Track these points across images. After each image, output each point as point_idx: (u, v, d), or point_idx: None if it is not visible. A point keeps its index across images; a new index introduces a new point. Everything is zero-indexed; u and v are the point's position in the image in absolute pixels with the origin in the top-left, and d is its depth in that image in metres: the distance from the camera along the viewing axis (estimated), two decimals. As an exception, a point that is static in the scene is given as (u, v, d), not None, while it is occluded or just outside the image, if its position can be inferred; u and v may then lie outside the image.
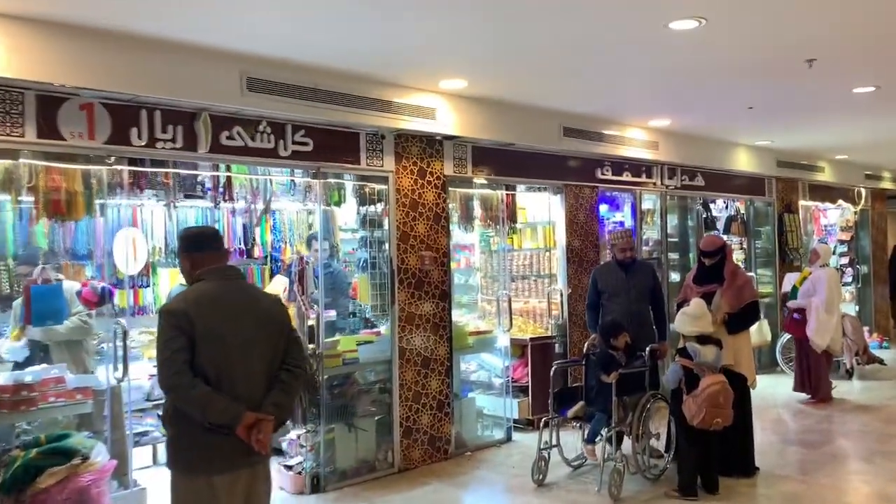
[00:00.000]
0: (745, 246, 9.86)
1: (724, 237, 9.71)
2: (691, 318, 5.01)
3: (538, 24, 4.34)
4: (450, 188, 6.34)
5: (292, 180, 6.11)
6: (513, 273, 7.64)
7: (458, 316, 6.67)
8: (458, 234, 6.84)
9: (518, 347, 7.04)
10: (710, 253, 5.36)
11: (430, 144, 6.11)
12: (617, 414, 5.08)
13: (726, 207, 9.93)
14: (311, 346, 5.34)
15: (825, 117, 7.50)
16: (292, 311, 5.35)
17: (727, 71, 5.60)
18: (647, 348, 5.41)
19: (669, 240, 8.59)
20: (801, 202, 10.74)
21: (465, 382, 6.91)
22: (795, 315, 8.05)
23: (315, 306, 5.49)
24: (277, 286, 5.98)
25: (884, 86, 6.11)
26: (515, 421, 6.82)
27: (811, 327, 7.69)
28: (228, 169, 5.74)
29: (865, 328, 11.80)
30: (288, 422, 5.05)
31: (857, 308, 11.98)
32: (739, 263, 8.02)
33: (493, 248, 7.52)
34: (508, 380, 6.77)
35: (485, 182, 6.68)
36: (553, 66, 5.39)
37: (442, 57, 5.04)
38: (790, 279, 9.50)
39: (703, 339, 4.95)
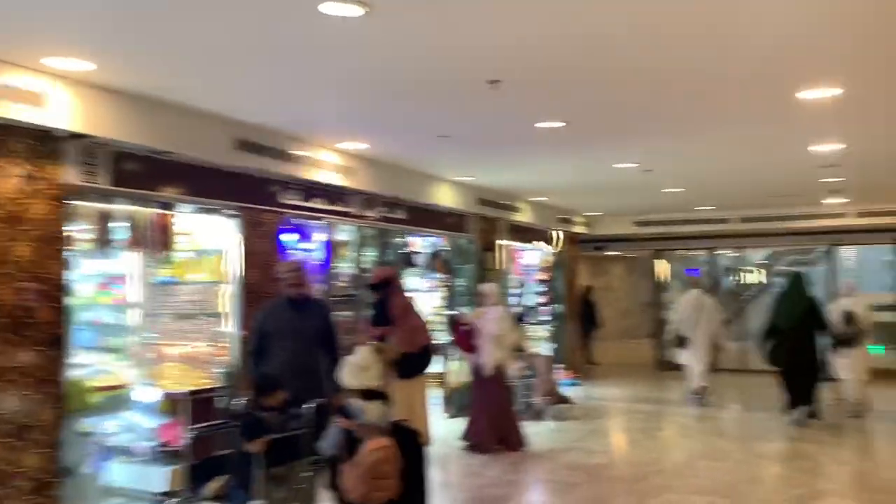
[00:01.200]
0: (447, 284, 9.53)
1: (427, 275, 9.34)
2: (357, 368, 4.17)
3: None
4: (75, 201, 4.93)
5: None
6: (178, 310, 6.34)
7: (105, 364, 5.24)
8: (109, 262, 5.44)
9: (173, 402, 5.73)
10: (375, 286, 4.63)
11: (44, 142, 4.68)
12: (266, 490, 4.06)
13: (431, 243, 9.56)
14: None
15: (514, 153, 7.33)
16: None
17: (411, 89, 5.00)
18: (313, 404, 4.49)
19: (366, 275, 7.88)
20: (501, 241, 10.79)
21: (100, 450, 5.44)
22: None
23: None
24: None
25: (572, 121, 5.95)
26: (166, 494, 5.49)
27: (485, 352, 7.25)
28: None
29: (560, 366, 12.24)
30: None
31: (554, 346, 12.38)
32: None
33: (150, 281, 6.17)
34: (157, 444, 5.43)
35: (128, 198, 5.37)
36: (208, 59, 4.35)
37: (49, 23, 3.74)
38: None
39: (368, 394, 4.13)
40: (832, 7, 3.72)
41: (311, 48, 4.18)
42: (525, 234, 11.52)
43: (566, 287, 12.96)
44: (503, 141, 6.77)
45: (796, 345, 8.30)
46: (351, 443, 4.01)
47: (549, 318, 12.41)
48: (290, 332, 4.96)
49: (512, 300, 12.04)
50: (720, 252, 15.24)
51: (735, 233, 13.39)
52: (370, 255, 8.09)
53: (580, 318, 14.73)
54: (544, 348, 12.31)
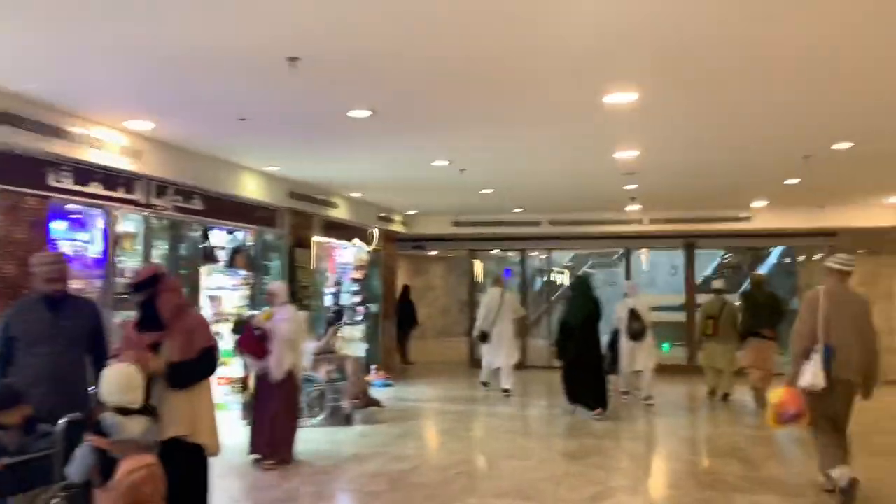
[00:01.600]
0: (252, 281, 8.91)
1: (228, 271, 8.68)
2: (112, 384, 3.59)
3: None
4: None
5: None
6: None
7: None
8: None
9: None
10: (138, 285, 4.05)
11: None
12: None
13: (234, 238, 8.90)
14: None
15: (325, 143, 6.94)
16: None
17: (202, 63, 4.47)
18: (64, 420, 3.82)
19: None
20: (316, 238, 10.34)
21: None
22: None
23: None
24: None
25: (380, 111, 5.66)
26: None
27: (276, 357, 6.57)
28: None
29: (373, 366, 11.97)
30: None
31: (367, 346, 12.09)
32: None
33: None
34: None
35: None
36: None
37: None
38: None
39: (126, 409, 3.57)
40: (630, 12, 3.71)
41: (77, 6, 3.55)
42: (342, 231, 11.14)
43: (383, 286, 12.73)
44: (311, 129, 6.35)
45: (581, 342, 8.92)
46: (106, 464, 3.44)
47: (364, 317, 12.11)
48: (44, 335, 4.23)
49: (327, 299, 11.62)
50: (533, 253, 15.80)
51: (545, 235, 13.85)
52: (161, 248, 7.32)
53: (397, 317, 14.61)
54: (358, 349, 12.03)
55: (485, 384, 11.03)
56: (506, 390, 10.51)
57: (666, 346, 18.15)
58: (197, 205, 7.52)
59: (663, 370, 13.77)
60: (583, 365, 8.93)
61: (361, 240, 11.91)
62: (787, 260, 15.78)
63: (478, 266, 17.17)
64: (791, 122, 6.01)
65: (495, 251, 16.33)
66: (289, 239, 9.45)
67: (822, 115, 5.77)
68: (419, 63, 4.51)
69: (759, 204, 11.58)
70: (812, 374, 5.35)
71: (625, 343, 9.74)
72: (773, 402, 5.72)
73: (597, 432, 8.26)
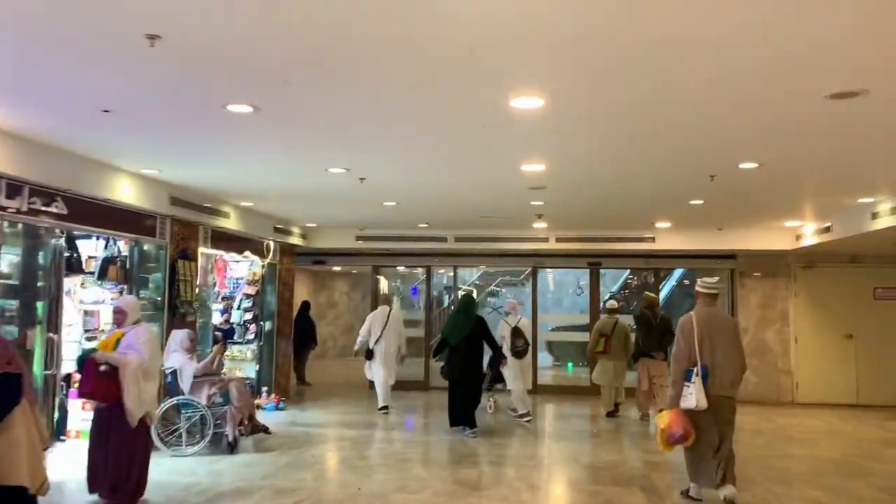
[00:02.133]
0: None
1: (99, 283, 7.84)
2: None
3: None
4: None
5: None
6: None
7: None
8: None
9: None
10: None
11: None
12: None
13: (106, 246, 8.05)
14: None
15: (206, 143, 6.26)
16: None
17: (45, 36, 3.79)
18: None
19: (5, 282, 6.26)
20: (203, 249, 9.56)
21: None
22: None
23: None
24: None
25: (263, 107, 5.09)
26: None
27: (130, 398, 5.45)
28: None
29: (264, 389, 11.21)
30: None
31: (257, 367, 11.32)
32: None
33: None
34: None
35: None
36: None
37: None
38: (176, 337, 8.08)
39: None
40: (528, 11, 3.34)
41: None
42: (234, 243, 10.39)
43: (278, 302, 12.00)
44: (188, 126, 5.69)
45: (464, 360, 9.08)
46: None
47: (257, 336, 11.35)
48: None
49: (215, 316, 10.83)
50: (440, 271, 15.42)
51: (451, 252, 13.47)
52: (12, 256, 6.45)
53: (295, 335, 13.88)
54: (249, 369, 11.27)
55: (382, 409, 10.77)
56: (383, 408, 10.67)
57: (570, 366, 18.15)
58: (58, 208, 6.68)
59: (566, 391, 13.68)
60: (461, 383, 9.10)
61: (256, 253, 11.18)
62: (687, 282, 16.02)
63: (383, 283, 16.64)
64: (700, 137, 5.83)
65: (400, 267, 15.86)
66: (171, 250, 8.65)
67: (731, 131, 5.61)
68: (298, 51, 3.99)
69: (662, 225, 11.60)
70: (695, 396, 5.73)
71: (511, 361, 9.94)
72: (660, 427, 5.99)
73: (496, 459, 7.86)
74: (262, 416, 10.13)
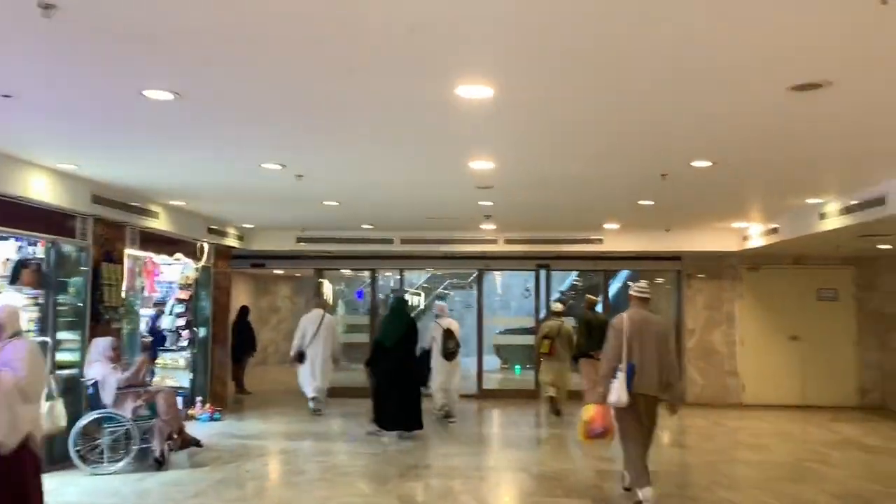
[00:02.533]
0: (41, 301, 7.42)
1: (11, 289, 7.19)
2: None
3: None
4: None
5: None
6: None
7: None
8: None
9: None
10: None
11: None
12: None
13: (19, 248, 7.39)
14: None
15: (125, 134, 5.73)
16: None
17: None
18: None
19: None
20: (130, 251, 8.95)
21: None
22: None
23: None
24: None
25: (185, 93, 4.62)
26: None
27: (2, 422, 4.38)
28: None
29: (199, 398, 10.63)
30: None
31: (190, 376, 10.71)
32: None
33: None
34: None
35: None
36: None
37: None
38: (98, 346, 7.50)
39: None
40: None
41: None
42: (165, 244, 9.79)
43: (213, 307, 11.40)
44: (104, 115, 5.17)
45: (399, 362, 9.11)
46: None
47: (190, 343, 10.75)
48: None
49: (143, 322, 10.21)
50: (387, 273, 14.99)
51: (397, 254, 13.07)
52: None
53: (233, 342, 13.29)
54: (182, 378, 10.66)
55: (315, 408, 10.97)
56: (317, 410, 10.88)
57: (518, 369, 17.94)
58: (-41, 205, 6.06)
59: (513, 395, 13.44)
60: (398, 385, 9.01)
61: (189, 255, 10.58)
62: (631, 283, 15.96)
63: (327, 287, 16.13)
64: (653, 134, 5.59)
65: (346, 271, 15.38)
66: (94, 252, 8.03)
67: (685, 129, 5.38)
68: (218, 27, 3.55)
69: (611, 226, 11.43)
70: (617, 392, 5.97)
71: (439, 363, 10.04)
72: (583, 419, 6.24)
73: (442, 471, 7.50)
74: (196, 428, 9.59)
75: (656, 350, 6.09)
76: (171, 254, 10.07)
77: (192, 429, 9.31)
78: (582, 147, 6.07)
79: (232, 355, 13.44)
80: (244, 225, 11.79)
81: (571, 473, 7.43)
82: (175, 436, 7.63)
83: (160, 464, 7.33)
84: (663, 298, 13.70)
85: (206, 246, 10.97)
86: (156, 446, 7.36)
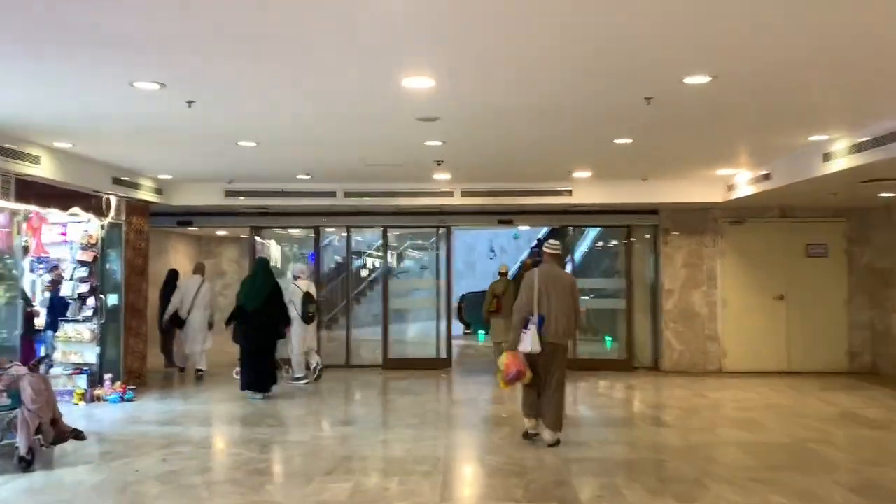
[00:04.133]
0: None
1: None
2: None
3: None
4: None
5: None
6: None
7: None
8: None
9: None
10: None
11: None
12: None
13: None
14: None
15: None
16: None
17: None
18: None
19: None
20: (2, 203, 7.38)
21: None
22: None
23: None
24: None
25: None
26: None
27: None
28: None
29: (108, 376, 9.18)
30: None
31: (97, 350, 9.22)
32: None
33: None
34: None
35: None
36: None
37: None
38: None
39: None
40: None
41: None
42: (54, 197, 8.21)
43: (126, 271, 9.87)
44: None
45: (258, 326, 9.15)
46: None
47: (96, 312, 9.24)
48: None
49: (41, 290, 8.71)
50: (331, 231, 13.48)
51: (341, 210, 11.62)
52: None
53: (161, 310, 11.84)
54: (86, 353, 9.19)
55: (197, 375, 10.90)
56: (199, 371, 10.93)
57: (482, 335, 16.69)
58: None
59: (477, 364, 12.20)
60: (258, 349, 9.12)
61: (91, 210, 9.01)
62: (601, 244, 14.70)
63: (273, 248, 14.60)
64: (640, 40, 4.21)
65: (294, 230, 13.80)
66: (-54, 202, 6.47)
67: (682, 31, 4.01)
68: None
69: (581, 174, 10.05)
70: (530, 341, 6.50)
71: (299, 326, 10.12)
72: (499, 368, 6.69)
73: (379, 465, 6.20)
74: (103, 411, 8.25)
75: (562, 302, 6.61)
76: (64, 208, 8.50)
77: (100, 411, 7.98)
78: (551, 64, 4.67)
79: (159, 325, 11.97)
80: (160, 176, 10.19)
81: (537, 466, 6.12)
82: (49, 428, 6.18)
83: (28, 463, 5.90)
84: (636, 258, 12.47)
85: (112, 200, 9.40)
86: (21, 442, 5.92)
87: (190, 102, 5.66)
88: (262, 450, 6.67)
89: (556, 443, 6.54)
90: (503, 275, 11.39)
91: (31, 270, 9.44)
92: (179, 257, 17.04)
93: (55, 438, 6.20)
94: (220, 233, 17.51)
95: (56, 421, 6.27)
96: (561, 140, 7.49)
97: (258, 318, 9.10)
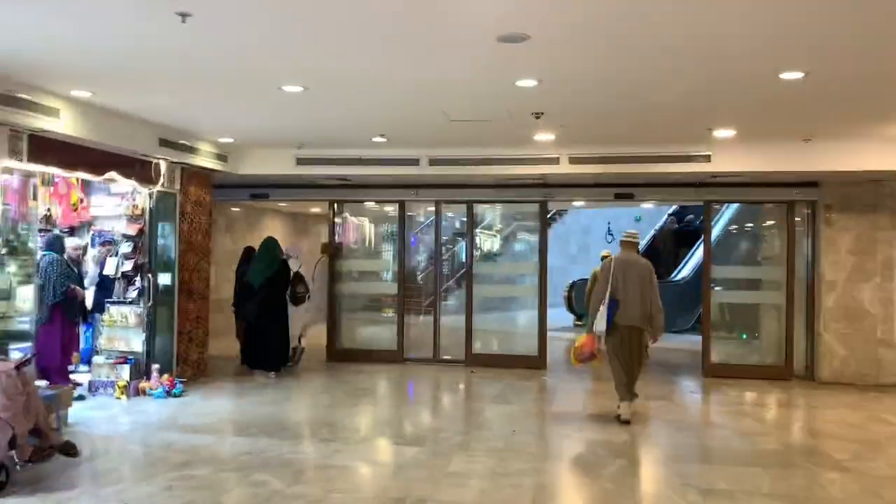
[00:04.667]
0: None
1: None
2: None
3: None
4: None
5: None
6: None
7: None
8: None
9: None
10: None
11: None
12: None
13: None
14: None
15: None
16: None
17: None
18: None
19: None
20: (13, 164, 6.25)
21: None
22: None
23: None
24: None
25: None
26: None
27: None
28: None
29: (155, 367, 8.04)
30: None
31: (144, 336, 8.09)
32: None
33: None
34: None
35: None
36: None
37: None
38: None
39: None
40: None
41: None
42: (81, 158, 7.04)
43: (182, 248, 8.68)
44: None
45: (263, 304, 9.16)
46: None
47: (143, 293, 8.12)
48: None
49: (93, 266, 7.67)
50: (430, 209, 11.82)
51: (426, 182, 10.02)
52: None
53: (237, 294, 10.65)
54: (132, 339, 8.10)
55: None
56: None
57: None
58: None
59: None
60: (264, 328, 9.09)
61: (135, 177, 7.84)
62: (736, 226, 12.33)
63: (367, 228, 13.23)
64: None
65: (371, 204, 12.24)
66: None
67: None
68: None
69: (723, 133, 7.89)
70: (600, 322, 6.89)
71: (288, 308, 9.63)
72: (575, 345, 7.12)
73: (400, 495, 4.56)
74: (141, 408, 7.11)
75: (638, 288, 6.86)
76: (98, 172, 7.34)
77: (138, 408, 6.81)
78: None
79: (234, 308, 10.82)
80: (221, 140, 8.91)
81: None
82: (34, 441, 4.95)
83: (0, 484, 4.69)
84: (776, 239, 10.17)
85: (162, 165, 8.20)
86: (-8, 457, 4.71)
87: (182, 16, 4.14)
88: (294, 478, 5.15)
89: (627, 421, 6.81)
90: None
91: (92, 245, 8.47)
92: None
93: (34, 453, 4.94)
94: (315, 210, 16.27)
95: (40, 432, 5.02)
96: (698, 86, 5.49)
97: (263, 295, 9.11)
